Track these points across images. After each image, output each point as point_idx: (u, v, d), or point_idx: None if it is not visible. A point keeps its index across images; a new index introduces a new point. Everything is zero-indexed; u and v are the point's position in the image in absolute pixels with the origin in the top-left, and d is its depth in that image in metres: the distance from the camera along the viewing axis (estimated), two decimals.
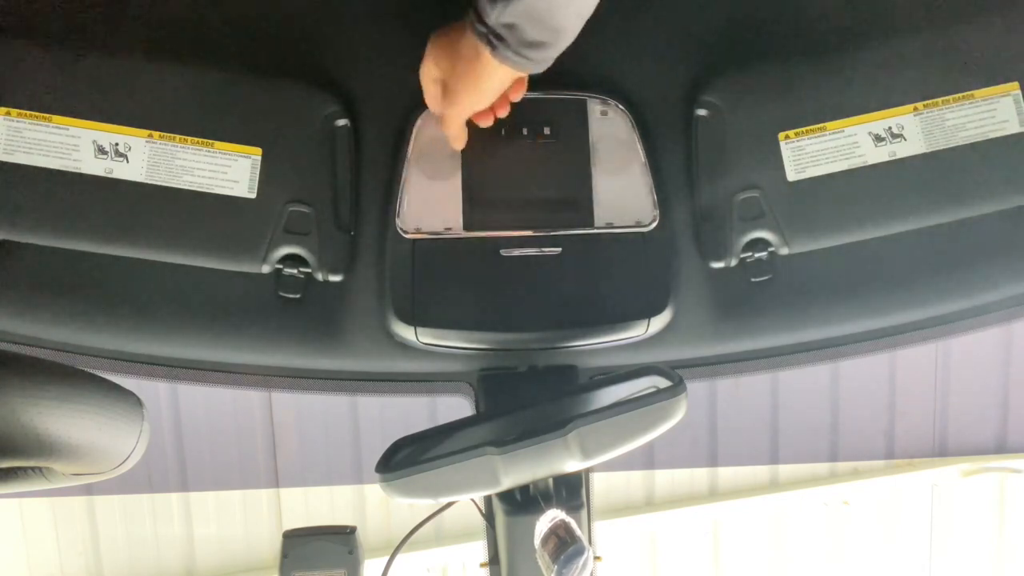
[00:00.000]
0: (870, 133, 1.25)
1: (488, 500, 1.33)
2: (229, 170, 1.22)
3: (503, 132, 1.28)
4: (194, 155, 1.22)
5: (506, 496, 1.20)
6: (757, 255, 1.27)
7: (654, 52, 1.31)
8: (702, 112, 1.27)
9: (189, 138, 1.22)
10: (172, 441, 4.46)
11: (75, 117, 1.19)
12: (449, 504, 1.23)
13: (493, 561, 1.34)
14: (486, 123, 1.23)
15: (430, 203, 1.27)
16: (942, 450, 4.99)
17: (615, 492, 4.81)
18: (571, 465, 1.08)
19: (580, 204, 1.28)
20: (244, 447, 4.55)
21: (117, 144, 1.20)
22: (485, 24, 1.04)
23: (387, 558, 1.36)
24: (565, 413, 1.09)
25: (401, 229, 1.27)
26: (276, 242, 1.23)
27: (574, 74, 1.29)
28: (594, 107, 1.29)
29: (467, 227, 1.27)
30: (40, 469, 0.90)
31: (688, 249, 1.30)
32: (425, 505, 1.24)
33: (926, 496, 4.99)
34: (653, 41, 1.31)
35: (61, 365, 0.95)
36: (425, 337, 1.27)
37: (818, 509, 4.95)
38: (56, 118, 1.19)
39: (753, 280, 1.29)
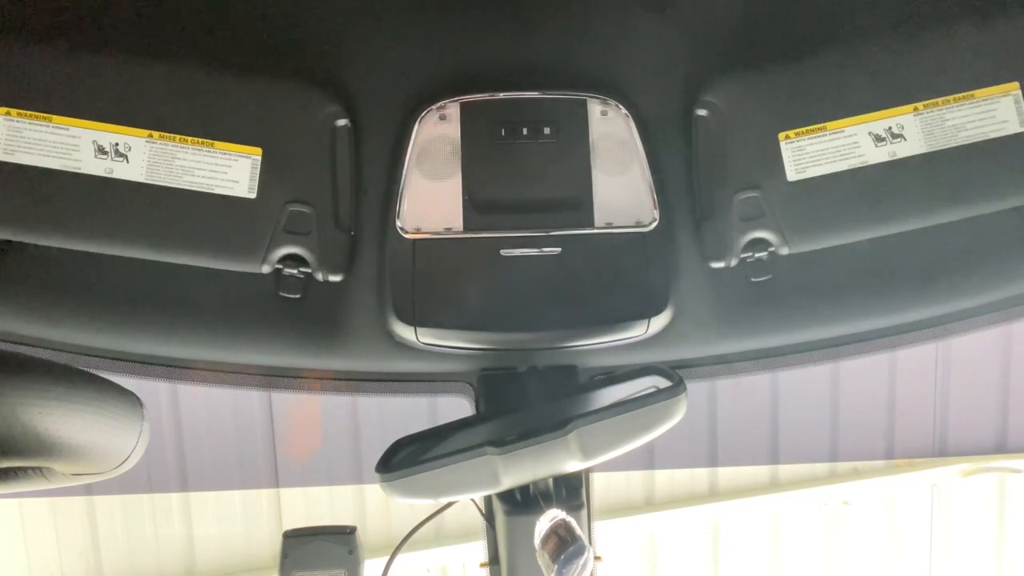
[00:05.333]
0: (870, 133, 1.24)
1: (488, 500, 1.33)
2: (229, 170, 1.22)
3: (503, 132, 1.28)
4: (194, 155, 1.22)
5: (506, 496, 1.20)
6: (757, 255, 1.27)
7: (654, 52, 1.31)
8: (702, 112, 1.27)
9: (189, 138, 1.22)
10: (172, 441, 4.46)
11: (75, 117, 1.19)
12: (449, 504, 1.23)
13: (493, 561, 1.34)
14: None
15: (430, 203, 1.27)
16: (942, 450, 4.99)
17: (615, 492, 4.81)
18: (571, 465, 1.08)
19: (580, 204, 1.28)
20: (244, 447, 4.55)
21: (117, 144, 1.20)
22: None
23: (387, 558, 1.36)
24: (565, 413, 1.09)
25: (401, 229, 1.27)
26: (276, 242, 1.23)
27: (574, 74, 1.30)
28: (594, 107, 1.29)
29: (467, 227, 1.27)
30: (40, 469, 0.91)
31: (688, 249, 1.30)
32: (425, 505, 1.24)
33: (926, 496, 4.99)
34: (653, 41, 1.31)
35: (61, 365, 0.95)
36: (425, 337, 1.27)
37: (818, 509, 4.96)
38: (56, 118, 1.19)
39: (753, 280, 1.29)
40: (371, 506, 4.59)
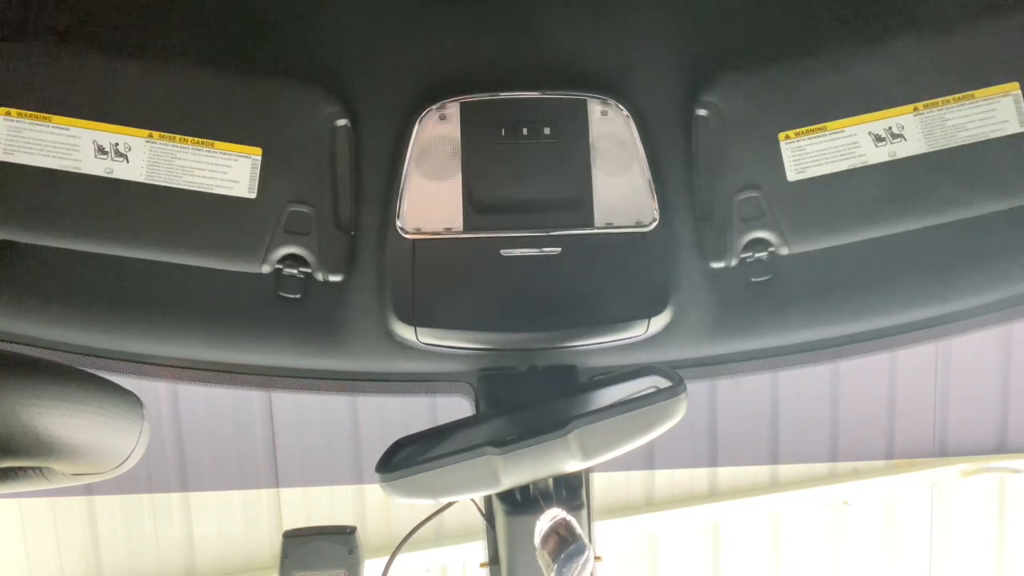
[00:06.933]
0: (870, 133, 1.24)
1: (488, 500, 1.33)
2: (229, 170, 1.22)
3: (503, 132, 1.28)
4: (194, 155, 1.22)
5: (506, 496, 1.20)
6: (757, 255, 1.27)
7: (654, 52, 1.31)
8: (702, 112, 1.27)
9: (189, 138, 1.22)
10: (172, 441, 4.46)
11: (75, 117, 1.19)
12: (449, 504, 1.23)
13: (493, 561, 1.34)
14: None
15: (430, 203, 1.27)
16: (942, 450, 4.99)
17: (615, 492, 4.81)
18: (571, 465, 1.08)
19: (580, 204, 1.28)
20: (244, 447, 4.55)
21: (117, 144, 1.20)
22: None
23: (387, 558, 1.36)
24: (565, 413, 1.09)
25: (401, 229, 1.27)
26: (276, 242, 1.23)
27: (574, 74, 1.30)
28: (594, 107, 1.29)
29: (467, 227, 1.27)
30: (40, 469, 0.90)
31: (688, 249, 1.30)
32: (425, 505, 1.24)
33: (926, 496, 4.99)
34: (653, 41, 1.31)
35: (61, 365, 0.95)
36: (425, 337, 1.27)
37: (818, 509, 4.95)
38: (56, 118, 1.19)
39: (753, 280, 1.29)
40: (371, 506, 4.59)
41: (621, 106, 1.29)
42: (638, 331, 1.27)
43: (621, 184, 1.28)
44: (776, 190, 1.25)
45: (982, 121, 1.23)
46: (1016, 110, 1.23)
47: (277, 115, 1.24)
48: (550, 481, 1.16)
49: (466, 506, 1.27)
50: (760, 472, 4.95)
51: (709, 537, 4.95)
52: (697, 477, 4.92)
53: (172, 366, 1.33)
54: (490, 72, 1.29)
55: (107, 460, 0.97)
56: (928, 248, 1.30)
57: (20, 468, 0.89)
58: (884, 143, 1.24)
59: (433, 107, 1.27)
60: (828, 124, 1.25)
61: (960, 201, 1.23)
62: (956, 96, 1.24)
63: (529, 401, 1.25)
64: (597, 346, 1.29)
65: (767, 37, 1.30)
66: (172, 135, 1.21)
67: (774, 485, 4.96)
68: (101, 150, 1.20)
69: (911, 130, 1.24)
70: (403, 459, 1.13)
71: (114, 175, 1.20)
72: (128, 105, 1.20)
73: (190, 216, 1.21)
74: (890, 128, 1.24)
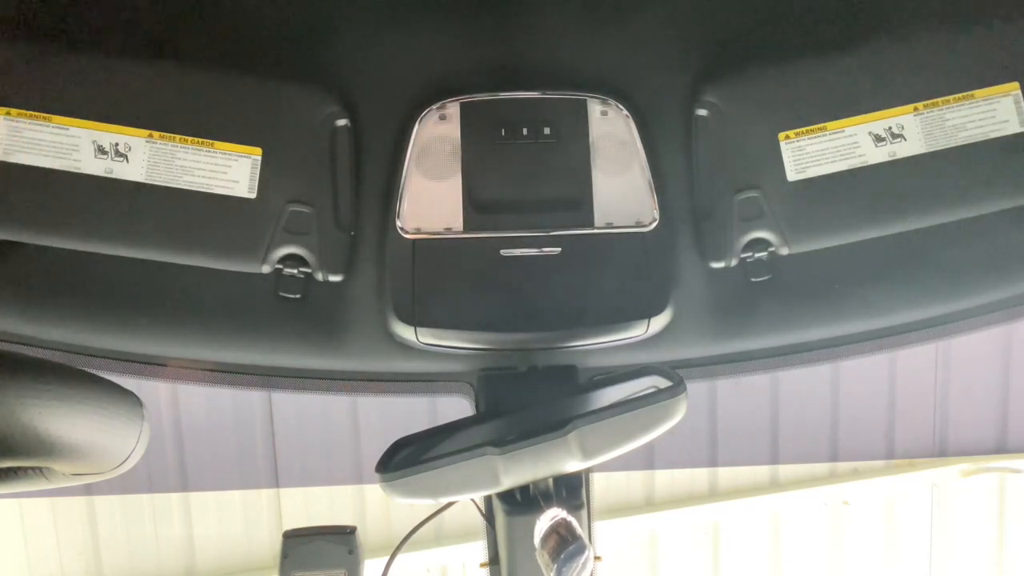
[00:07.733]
0: (870, 133, 1.24)
1: (488, 500, 1.33)
2: (229, 170, 1.22)
3: (503, 132, 1.28)
4: (194, 155, 1.22)
5: (506, 496, 1.20)
6: (757, 255, 1.27)
7: (654, 52, 1.31)
8: (702, 112, 1.27)
9: (189, 138, 1.22)
10: (172, 441, 4.46)
11: (75, 117, 1.19)
12: (449, 504, 1.23)
13: (493, 561, 1.34)
14: None
15: (430, 203, 1.27)
16: (942, 450, 4.99)
17: (615, 492, 4.81)
18: (571, 465, 1.08)
19: (580, 204, 1.28)
20: (244, 447, 4.55)
21: (117, 144, 1.20)
22: None
23: (387, 558, 1.36)
24: (565, 413, 1.09)
25: (401, 229, 1.27)
26: (276, 242, 1.23)
27: (574, 74, 1.30)
28: (594, 107, 1.29)
29: (467, 227, 1.27)
30: (40, 469, 0.91)
31: (688, 249, 1.30)
32: (425, 505, 1.24)
33: (926, 496, 5.00)
34: (653, 41, 1.31)
35: (61, 365, 0.95)
36: (425, 337, 1.27)
37: (818, 509, 4.96)
38: (56, 118, 1.19)
39: (753, 280, 1.29)
40: (371, 506, 4.59)
41: (621, 106, 1.29)
42: (638, 331, 1.27)
43: (621, 184, 1.28)
44: (776, 190, 1.25)
45: (982, 121, 1.23)
46: (1016, 110, 1.23)
47: (277, 115, 1.24)
48: (550, 481, 1.16)
49: (466, 506, 1.27)
50: (760, 472, 4.96)
51: (709, 537, 4.96)
52: (697, 477, 4.92)
53: (172, 366, 1.33)
54: (490, 72, 1.29)
55: (107, 460, 0.97)
56: (928, 248, 1.30)
57: (20, 468, 0.90)
58: (884, 143, 1.24)
59: (433, 107, 1.27)
60: (828, 124, 1.25)
61: (960, 201, 1.23)
62: (956, 96, 1.24)
63: (529, 401, 1.25)
64: (597, 346, 1.29)
65: (767, 37, 1.30)
66: (172, 135, 1.21)
67: (774, 485, 4.97)
68: (101, 150, 1.20)
69: (911, 130, 1.24)
70: (403, 459, 1.13)
71: (114, 175, 1.20)
72: (128, 105, 1.20)
73: (190, 216, 1.21)
74: (890, 128, 1.24)
